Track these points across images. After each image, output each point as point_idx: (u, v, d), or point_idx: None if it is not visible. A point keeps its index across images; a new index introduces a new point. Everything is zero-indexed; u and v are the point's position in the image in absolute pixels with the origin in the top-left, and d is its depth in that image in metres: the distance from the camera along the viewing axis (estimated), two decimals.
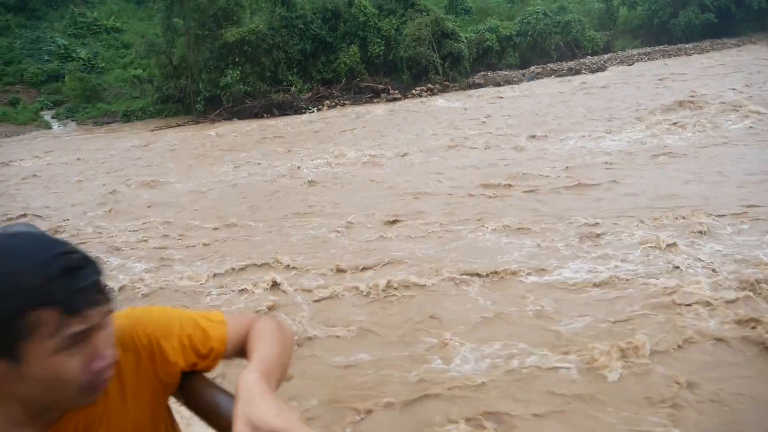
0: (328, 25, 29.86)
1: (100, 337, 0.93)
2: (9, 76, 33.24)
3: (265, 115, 26.23)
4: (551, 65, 33.93)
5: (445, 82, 30.32)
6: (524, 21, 36.25)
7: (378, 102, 27.88)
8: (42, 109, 30.86)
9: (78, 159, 18.58)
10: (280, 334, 1.15)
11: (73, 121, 29.59)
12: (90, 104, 30.59)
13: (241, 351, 1.15)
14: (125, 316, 1.11)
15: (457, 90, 29.76)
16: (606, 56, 35.83)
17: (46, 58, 34.35)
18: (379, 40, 30.16)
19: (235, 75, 26.78)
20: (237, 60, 27.34)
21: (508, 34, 35.66)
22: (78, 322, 0.88)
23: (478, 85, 30.86)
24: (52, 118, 29.99)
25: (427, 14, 31.27)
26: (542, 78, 31.19)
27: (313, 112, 26.47)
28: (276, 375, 1.04)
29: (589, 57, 36.05)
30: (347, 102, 28.01)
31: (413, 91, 29.26)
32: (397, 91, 28.91)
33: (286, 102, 27.08)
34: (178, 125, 25.92)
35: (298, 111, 26.63)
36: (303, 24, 28.90)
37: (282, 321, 1.22)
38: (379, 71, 30.13)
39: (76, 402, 0.96)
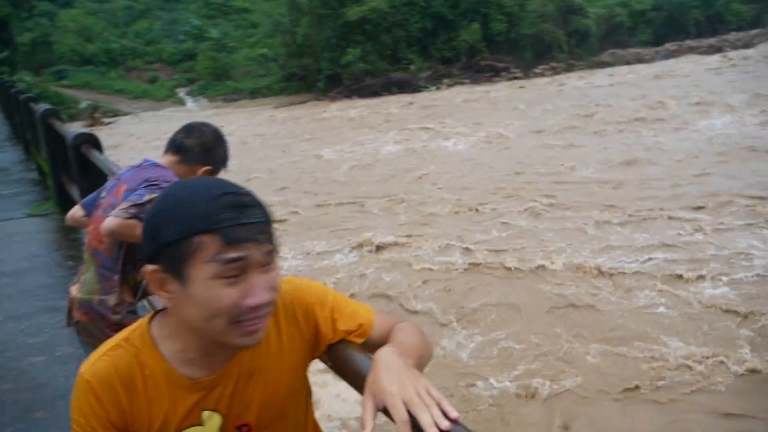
0: (449, 3, 29.41)
1: (258, 275, 0.97)
2: (149, 56, 35.64)
3: (384, 93, 26.39)
4: (689, 42, 31.58)
5: (570, 61, 29.07)
6: None
7: (498, 81, 27.22)
8: (177, 86, 32.87)
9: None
10: (421, 335, 1.23)
11: (204, 97, 31.29)
12: (220, 82, 32.17)
13: (382, 342, 1.19)
14: (287, 282, 1.18)
15: (583, 69, 28.44)
16: (753, 32, 32.79)
17: (182, 38, 36.44)
18: (501, 17, 29.34)
19: (355, 53, 27.11)
20: (358, 38, 27.64)
21: (641, 8, 33.52)
22: (235, 250, 0.94)
23: (607, 64, 29.32)
24: (186, 94, 31.87)
25: None
26: (677, 56, 29.12)
27: (431, 90, 26.30)
28: (413, 358, 1.09)
29: (733, 33, 33.17)
30: (466, 81, 27.58)
31: (535, 70, 28.29)
32: (518, 70, 28.08)
33: (405, 80, 27.08)
34: (300, 103, 26.68)
35: (417, 89, 26.55)
36: (424, 1, 28.68)
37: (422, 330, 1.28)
38: (501, 49, 29.36)
39: (234, 339, 1.00)
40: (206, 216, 0.94)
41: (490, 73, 28.16)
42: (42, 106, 6.01)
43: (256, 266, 0.97)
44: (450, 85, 27.00)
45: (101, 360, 1.07)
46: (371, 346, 1.19)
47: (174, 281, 0.98)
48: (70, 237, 5.21)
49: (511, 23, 29.47)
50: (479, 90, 24.68)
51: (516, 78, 27.43)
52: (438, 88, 26.63)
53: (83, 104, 26.24)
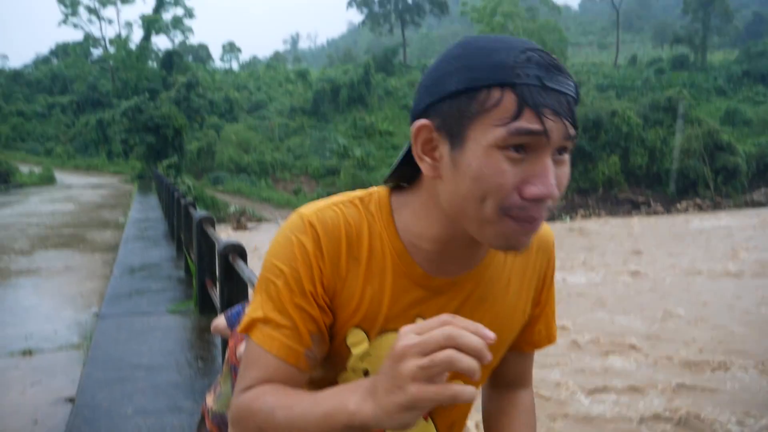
0: (589, 135, 29.45)
1: (548, 160, 0.76)
2: (297, 168, 38.41)
3: None
4: None
5: (717, 198, 27.60)
6: None
7: (637, 214, 26.29)
8: (318, 198, 34.75)
9: None
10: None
11: None
12: None
13: (516, 379, 1.09)
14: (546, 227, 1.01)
15: (730, 207, 26.86)
16: None
17: (328, 155, 39.09)
18: (643, 151, 28.80)
19: None
20: None
21: None
22: (532, 119, 0.74)
23: (758, 204, 27.50)
24: None
25: (699, 125, 29.21)
26: None
27: (566, 221, 25.87)
28: None
29: None
30: (603, 212, 26.91)
31: (678, 205, 27.11)
32: (659, 204, 27.03)
33: None
34: None
35: (551, 218, 26.25)
36: None
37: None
38: (640, 183, 28.60)
39: (494, 236, 0.79)
40: (508, 66, 0.74)
41: (629, 206, 27.33)
42: (200, 213, 6.59)
43: (551, 149, 0.76)
44: (585, 216, 26.46)
45: (331, 208, 0.89)
46: (509, 369, 1.06)
47: (446, 143, 0.79)
48: (204, 338, 5.51)
49: (652, 157, 28.81)
50: (615, 223, 23.93)
51: (656, 213, 26.38)
52: (572, 218, 26.16)
53: (232, 208, 28.44)
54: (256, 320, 0.85)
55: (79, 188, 26.77)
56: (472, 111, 0.75)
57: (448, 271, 0.90)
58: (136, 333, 5.62)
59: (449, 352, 0.63)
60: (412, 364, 0.64)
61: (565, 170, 0.79)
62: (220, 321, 2.55)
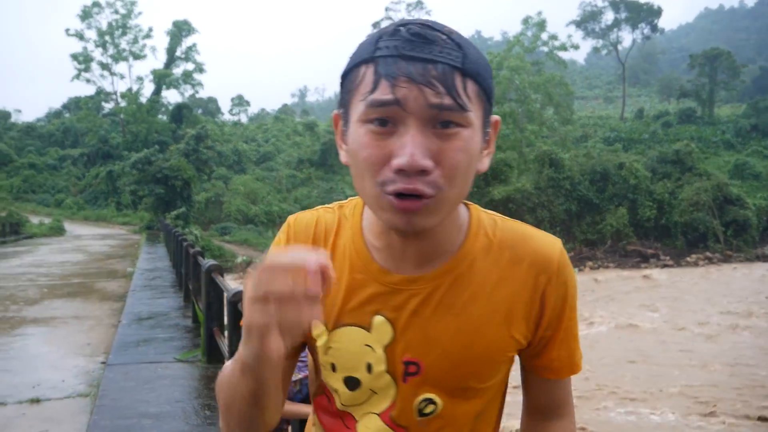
0: (596, 187, 29.57)
1: (415, 132, 0.74)
2: None
3: None
4: None
5: (727, 252, 27.43)
6: None
7: (646, 267, 26.09)
8: None
9: None
10: None
11: None
12: None
13: (546, 410, 1.01)
14: (513, 227, 0.94)
15: (741, 261, 26.66)
16: None
17: None
18: (651, 203, 28.83)
19: None
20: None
21: None
22: (386, 89, 0.74)
23: None
24: None
25: (708, 179, 29.32)
26: None
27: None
28: None
29: None
30: (611, 265, 26.75)
31: (688, 258, 26.93)
32: (668, 257, 26.86)
33: None
34: None
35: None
36: (570, 185, 29.07)
37: None
38: (649, 235, 28.52)
39: (383, 212, 0.79)
40: (373, 42, 0.77)
41: (638, 259, 27.16)
42: (208, 262, 6.59)
43: (417, 119, 0.74)
44: (593, 269, 26.29)
45: (311, 212, 0.99)
46: (539, 397, 1.00)
47: (344, 126, 0.83)
48: (211, 386, 5.42)
49: (660, 210, 28.81)
50: (624, 275, 23.75)
51: (666, 265, 26.19)
52: (581, 270, 25.98)
53: (239, 259, 28.43)
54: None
55: (88, 239, 26.90)
56: (349, 90, 0.80)
57: (405, 269, 0.89)
58: (143, 381, 5.55)
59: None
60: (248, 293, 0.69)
61: (456, 144, 0.76)
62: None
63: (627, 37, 66.79)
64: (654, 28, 66.36)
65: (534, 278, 0.91)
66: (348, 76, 0.80)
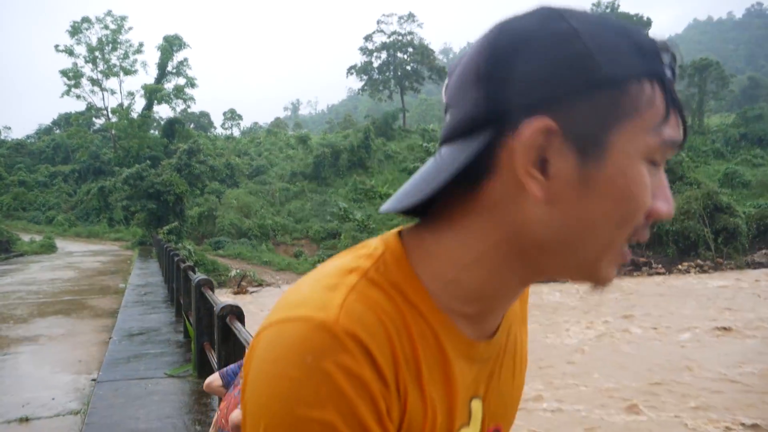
0: None
1: (664, 174, 0.60)
2: (297, 232, 38.53)
3: None
4: None
5: (718, 259, 27.58)
6: None
7: (638, 276, 26.19)
8: (319, 261, 34.87)
9: None
10: None
11: None
12: None
13: None
14: None
15: (732, 268, 26.80)
16: None
17: (329, 218, 39.29)
18: None
19: None
20: None
21: None
22: (676, 124, 0.58)
23: (760, 264, 27.46)
24: None
25: (698, 187, 29.53)
26: None
27: (566, 281, 25.74)
28: None
29: None
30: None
31: (679, 266, 27.06)
32: (660, 266, 26.99)
33: None
34: None
35: (547, 279, 26.11)
36: None
37: None
38: (641, 244, 28.50)
39: (605, 270, 0.60)
40: (653, 51, 0.57)
41: (630, 267, 27.24)
42: (198, 276, 6.59)
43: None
44: None
45: (354, 300, 0.56)
46: None
47: (572, 153, 0.56)
48: (202, 401, 5.41)
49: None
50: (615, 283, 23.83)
51: (658, 273, 26.30)
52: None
53: (233, 273, 28.35)
54: None
55: (79, 255, 26.79)
56: (622, 110, 0.56)
57: (480, 333, 0.66)
58: (133, 398, 5.53)
59: None
60: None
61: None
62: (214, 379, 2.50)
63: None
64: None
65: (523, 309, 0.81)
66: (610, 89, 0.55)
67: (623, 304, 18.41)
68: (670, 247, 28.16)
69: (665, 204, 0.58)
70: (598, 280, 0.60)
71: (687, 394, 9.43)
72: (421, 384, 0.58)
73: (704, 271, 26.59)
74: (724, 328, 14.00)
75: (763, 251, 29.26)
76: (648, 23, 65.31)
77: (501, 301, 0.64)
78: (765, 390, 9.46)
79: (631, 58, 0.56)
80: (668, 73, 0.57)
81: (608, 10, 65.35)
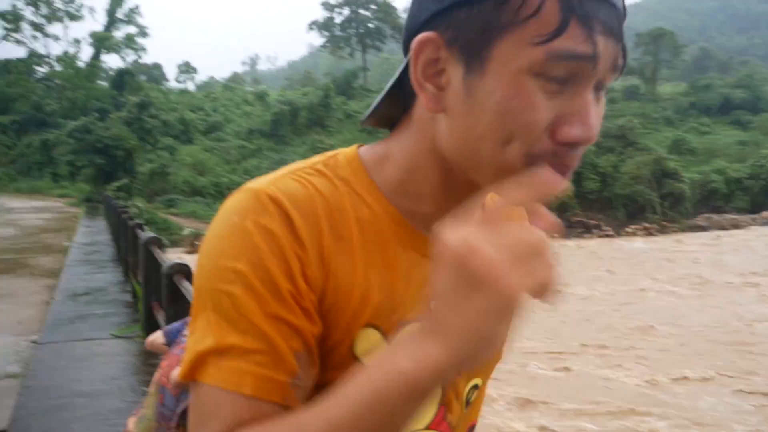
0: None
1: (590, 95, 0.56)
2: None
3: None
4: None
5: (663, 222, 28.47)
6: (757, 164, 33.35)
7: (589, 237, 26.85)
8: None
9: None
10: None
11: None
12: None
13: None
14: None
15: (676, 231, 27.74)
16: None
17: None
18: (595, 176, 29.54)
19: None
20: None
21: (737, 176, 32.93)
22: (580, 37, 0.53)
23: (701, 228, 28.53)
24: None
25: (648, 153, 30.22)
26: None
27: None
28: None
29: None
30: (555, 235, 27.39)
31: (627, 229, 27.86)
32: (610, 228, 27.72)
33: None
34: None
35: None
36: None
37: None
38: (593, 207, 29.28)
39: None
40: None
41: (582, 229, 27.90)
42: (147, 234, 6.38)
43: (592, 81, 0.56)
44: None
45: (290, 179, 0.64)
46: None
47: (459, 64, 0.57)
48: (149, 362, 5.27)
49: (604, 183, 29.58)
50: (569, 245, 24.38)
51: (607, 236, 27.01)
52: None
53: (186, 231, 27.88)
54: (207, 354, 0.58)
55: (20, 212, 25.77)
56: (502, 21, 0.54)
57: None
58: (77, 360, 5.35)
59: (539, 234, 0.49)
60: (488, 251, 0.46)
61: (601, 112, 0.59)
62: (157, 336, 2.40)
63: None
64: None
65: None
66: (500, 1, 0.54)
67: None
68: (620, 210, 28.89)
69: (577, 128, 0.55)
70: None
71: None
72: (353, 259, 0.63)
73: (650, 234, 27.41)
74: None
75: (705, 215, 30.37)
76: None
77: (451, 202, 0.65)
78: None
79: None
80: None
81: None
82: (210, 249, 0.61)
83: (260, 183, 0.63)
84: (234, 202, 0.63)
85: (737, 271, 17.22)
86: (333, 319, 0.62)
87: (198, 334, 0.59)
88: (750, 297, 13.98)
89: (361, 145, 0.72)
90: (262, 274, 0.58)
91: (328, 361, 0.63)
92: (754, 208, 31.85)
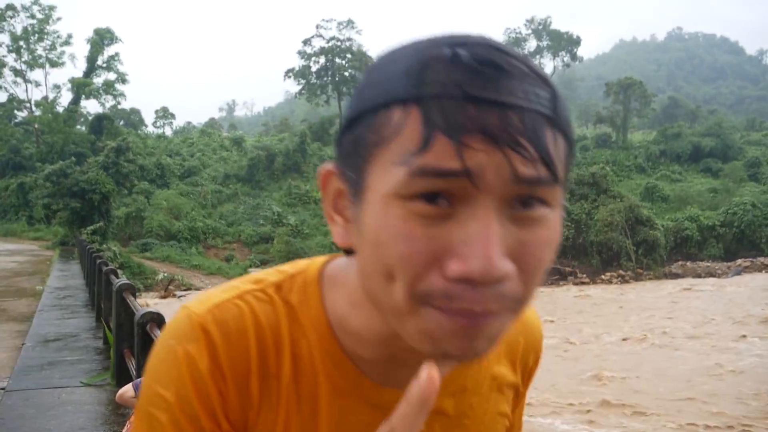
0: None
1: (490, 218, 0.46)
2: (229, 236, 37.82)
3: None
4: (761, 259, 30.94)
5: (639, 270, 28.85)
6: (729, 212, 34.10)
7: (564, 285, 27.06)
8: (250, 266, 34.29)
9: None
10: None
11: None
12: None
13: None
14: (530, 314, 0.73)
15: (650, 278, 28.09)
16: None
17: (261, 222, 38.76)
18: (569, 224, 29.96)
19: None
20: None
21: (710, 224, 33.63)
22: (446, 151, 0.45)
23: (675, 275, 28.92)
24: None
25: (621, 200, 30.78)
26: (751, 272, 28.45)
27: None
28: None
29: None
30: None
31: (602, 276, 28.15)
32: (585, 275, 27.99)
33: None
34: None
35: None
36: None
37: None
38: (567, 254, 29.59)
39: (416, 336, 0.50)
40: (414, 72, 0.48)
41: (557, 276, 28.13)
42: (120, 281, 6.37)
43: (494, 199, 0.47)
44: None
45: (231, 303, 0.60)
46: None
47: (349, 192, 0.53)
48: (119, 411, 5.20)
49: (578, 230, 29.99)
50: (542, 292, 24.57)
51: (583, 283, 27.25)
52: None
53: (160, 276, 27.55)
54: None
55: None
56: (368, 142, 0.50)
57: (401, 380, 0.58)
58: (45, 408, 5.27)
59: None
60: None
61: (541, 234, 0.49)
62: (126, 389, 2.44)
63: (548, 64, 69.64)
64: (574, 57, 69.57)
65: (527, 358, 0.74)
66: (365, 120, 0.50)
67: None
68: (595, 258, 29.23)
69: (467, 262, 0.46)
70: (418, 347, 0.51)
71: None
72: (279, 402, 0.59)
73: (626, 281, 27.71)
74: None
75: (680, 262, 30.83)
76: (578, 41, 67.81)
77: (401, 348, 0.57)
78: None
79: (387, 84, 0.49)
80: (443, 89, 0.46)
81: (540, 27, 67.54)
82: (150, 369, 0.60)
83: (201, 305, 0.60)
84: (175, 323, 0.61)
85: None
86: None
87: None
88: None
89: (336, 256, 0.65)
90: (187, 408, 0.57)
91: None
92: (728, 256, 32.41)
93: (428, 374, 0.43)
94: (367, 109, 0.50)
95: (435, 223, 0.47)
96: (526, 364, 0.74)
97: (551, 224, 0.50)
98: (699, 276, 28.51)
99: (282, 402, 0.60)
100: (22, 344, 7.87)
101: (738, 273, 28.73)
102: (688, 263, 30.75)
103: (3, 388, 5.88)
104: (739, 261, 31.12)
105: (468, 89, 0.46)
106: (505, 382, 0.71)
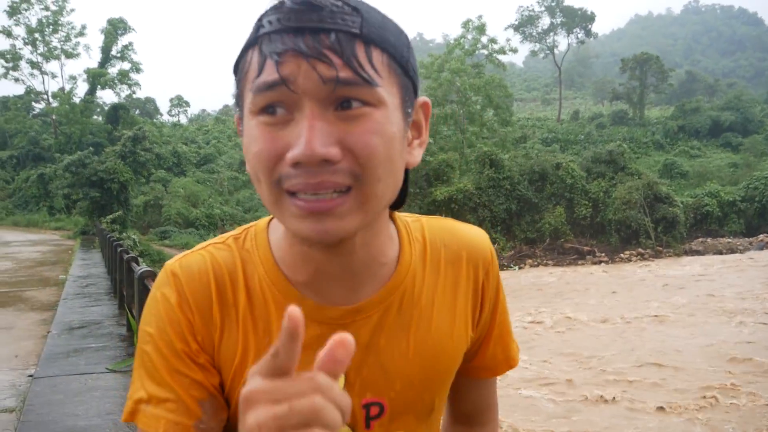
0: (534, 186, 30.30)
1: (313, 117, 0.61)
2: (246, 222, 37.24)
3: None
4: None
5: (658, 247, 28.57)
6: (750, 186, 33.54)
7: (583, 264, 26.90)
8: None
9: None
10: None
11: None
12: None
13: (476, 412, 0.96)
14: (450, 227, 0.87)
15: (671, 256, 27.82)
16: None
17: None
18: (587, 202, 29.73)
19: None
20: (443, 216, 28.59)
21: (731, 199, 33.13)
22: (271, 69, 0.62)
23: (696, 252, 28.61)
24: None
25: (639, 178, 30.43)
26: None
27: (514, 270, 26.28)
28: None
29: None
30: (550, 262, 27.46)
31: (621, 255, 27.92)
32: (603, 254, 27.80)
33: None
34: None
35: (501, 268, 26.57)
36: (510, 185, 29.68)
37: None
38: (585, 233, 29.39)
39: (287, 219, 0.66)
40: (256, 23, 0.66)
41: (575, 256, 27.97)
42: (142, 268, 6.43)
43: (313, 101, 0.62)
44: (534, 266, 26.94)
45: (196, 253, 0.78)
46: (468, 400, 0.94)
47: (242, 127, 0.70)
48: None
49: (596, 208, 29.75)
50: (560, 271, 24.45)
51: (601, 262, 27.07)
52: (521, 268, 26.59)
53: None
54: (138, 402, 0.73)
55: (17, 245, 25.75)
56: (239, 79, 0.68)
57: (345, 299, 0.75)
58: (73, 394, 5.37)
59: (316, 401, 0.45)
60: (264, 412, 0.45)
61: (365, 126, 0.63)
62: None
63: (563, 42, 68.70)
64: (588, 33, 68.43)
65: (473, 272, 0.85)
66: (238, 68, 0.68)
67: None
68: (613, 236, 28.99)
69: (295, 149, 0.61)
70: (294, 235, 0.67)
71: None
72: (237, 325, 0.75)
73: (645, 259, 27.46)
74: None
75: (700, 239, 30.48)
76: (592, 17, 66.73)
77: (324, 267, 0.73)
78: None
79: (248, 37, 0.66)
80: (269, 27, 0.63)
81: (553, 4, 66.49)
82: (141, 316, 0.77)
83: (174, 259, 0.78)
84: (158, 275, 0.78)
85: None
86: (224, 375, 0.76)
87: (135, 385, 0.75)
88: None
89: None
90: (164, 336, 0.73)
91: (232, 405, 0.76)
92: (750, 231, 31.96)
93: (290, 310, 0.46)
94: (238, 58, 0.68)
95: (277, 128, 0.63)
96: (476, 278, 0.85)
97: (375, 118, 0.64)
98: (720, 252, 28.19)
99: (240, 325, 0.75)
100: (48, 332, 8.01)
101: (761, 248, 28.36)
102: (709, 240, 30.38)
103: (31, 375, 6.00)
104: (761, 236, 30.69)
105: (286, 23, 0.62)
106: (449, 294, 0.82)
